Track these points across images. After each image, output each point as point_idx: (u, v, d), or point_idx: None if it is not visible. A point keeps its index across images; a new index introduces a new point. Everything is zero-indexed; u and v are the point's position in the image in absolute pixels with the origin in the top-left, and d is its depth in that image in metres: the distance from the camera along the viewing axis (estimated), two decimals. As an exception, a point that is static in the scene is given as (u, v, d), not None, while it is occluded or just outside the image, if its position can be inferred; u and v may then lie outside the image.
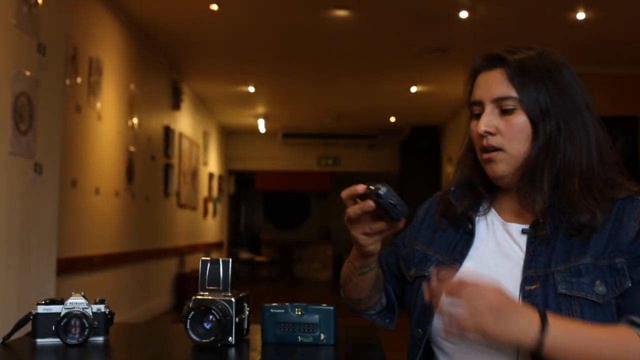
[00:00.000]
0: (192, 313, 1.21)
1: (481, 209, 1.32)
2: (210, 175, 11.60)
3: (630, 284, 1.15)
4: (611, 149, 1.27)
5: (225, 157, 13.35)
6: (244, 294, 1.30)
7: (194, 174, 10.07)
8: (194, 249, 9.98)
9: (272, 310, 1.29)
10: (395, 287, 1.41)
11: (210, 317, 1.21)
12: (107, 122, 5.95)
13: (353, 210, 1.16)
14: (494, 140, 1.24)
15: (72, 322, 1.25)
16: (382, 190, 1.12)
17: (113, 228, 6.22)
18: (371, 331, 1.42)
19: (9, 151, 3.33)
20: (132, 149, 6.69)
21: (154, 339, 1.48)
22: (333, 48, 7.28)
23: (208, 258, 1.29)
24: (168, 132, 8.28)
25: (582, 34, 6.52)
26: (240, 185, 15.54)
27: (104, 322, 1.29)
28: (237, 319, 1.25)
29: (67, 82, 4.86)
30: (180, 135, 9.04)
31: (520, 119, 1.22)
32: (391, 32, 6.67)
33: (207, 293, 1.26)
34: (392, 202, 1.12)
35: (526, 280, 1.19)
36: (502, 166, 1.24)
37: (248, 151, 13.46)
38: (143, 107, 7.10)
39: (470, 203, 1.32)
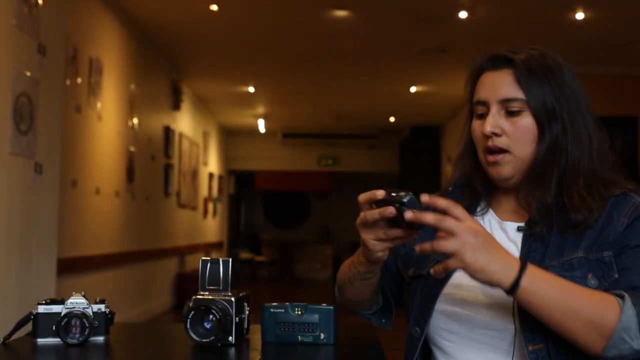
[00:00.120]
0: (192, 313, 1.22)
1: (479, 209, 1.33)
2: (210, 175, 11.60)
3: (617, 276, 1.15)
4: (609, 150, 1.28)
5: (225, 157, 13.35)
6: (244, 293, 1.31)
7: (194, 174, 10.07)
8: (194, 248, 9.98)
9: (272, 310, 1.29)
10: (393, 287, 1.41)
11: (211, 316, 1.21)
12: (107, 122, 5.96)
13: (372, 214, 1.11)
14: (499, 142, 1.24)
15: (73, 321, 1.25)
16: (406, 198, 1.08)
17: (113, 228, 6.22)
18: (371, 330, 1.42)
19: (10, 151, 3.34)
20: (132, 149, 6.70)
21: (154, 339, 1.48)
22: (333, 48, 7.28)
23: (208, 258, 1.29)
24: (168, 132, 8.28)
25: (581, 34, 6.52)
26: (240, 185, 15.54)
27: (105, 321, 1.30)
28: (237, 319, 1.25)
29: (68, 82, 4.86)
30: (180, 135, 9.04)
31: (527, 121, 1.23)
32: (391, 32, 6.67)
33: (207, 293, 1.26)
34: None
35: None
36: (508, 169, 1.25)
37: (248, 151, 13.47)
38: (143, 107, 7.10)
39: (468, 203, 1.32)
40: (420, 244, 1.09)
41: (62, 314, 1.26)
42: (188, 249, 9.59)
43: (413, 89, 9.22)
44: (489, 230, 1.29)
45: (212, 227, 11.95)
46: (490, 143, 1.24)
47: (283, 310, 1.29)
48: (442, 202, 1.07)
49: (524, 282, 1.07)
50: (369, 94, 9.67)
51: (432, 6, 5.94)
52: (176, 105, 8.67)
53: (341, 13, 6.12)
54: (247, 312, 1.30)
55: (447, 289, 1.27)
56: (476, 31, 6.42)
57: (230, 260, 1.29)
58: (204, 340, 1.21)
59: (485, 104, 1.26)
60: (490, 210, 1.33)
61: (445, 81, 8.40)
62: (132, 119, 6.71)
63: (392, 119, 11.69)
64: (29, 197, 3.57)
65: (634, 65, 7.56)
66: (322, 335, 1.28)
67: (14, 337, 1.29)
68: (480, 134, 1.27)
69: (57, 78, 3.96)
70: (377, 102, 10.20)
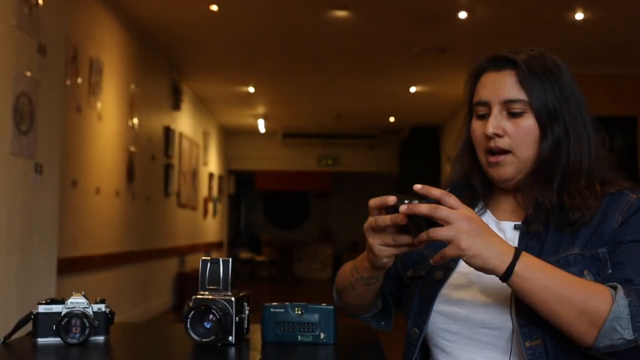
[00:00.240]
0: (193, 312, 1.22)
1: (476, 209, 1.33)
2: (210, 175, 11.60)
3: (610, 271, 1.16)
4: (606, 150, 1.29)
5: (225, 157, 13.35)
6: (244, 293, 1.31)
7: (194, 174, 10.07)
8: (194, 248, 9.98)
9: (272, 310, 1.29)
10: (393, 288, 1.41)
11: (211, 316, 1.22)
12: (108, 122, 5.96)
13: (383, 220, 1.11)
14: (501, 143, 1.24)
15: (73, 321, 1.25)
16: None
17: (113, 228, 6.22)
18: (371, 331, 1.43)
19: (10, 151, 3.34)
20: (132, 149, 6.70)
21: (155, 339, 1.49)
22: (333, 48, 7.28)
23: (208, 258, 1.29)
24: (168, 132, 8.28)
25: (581, 34, 6.52)
26: (240, 185, 15.54)
27: (105, 321, 1.30)
28: (237, 319, 1.25)
29: (68, 82, 4.86)
30: (181, 135, 9.04)
31: (529, 122, 1.23)
32: (391, 32, 6.68)
33: (207, 293, 1.27)
34: (426, 220, 1.09)
35: None
36: (509, 170, 1.25)
37: (248, 151, 13.47)
38: (143, 107, 7.11)
39: (466, 204, 1.32)
40: (419, 235, 1.09)
41: (63, 314, 1.26)
42: (188, 248, 9.59)
43: (413, 89, 9.22)
44: None
45: (212, 227, 11.95)
46: (492, 144, 1.25)
47: (283, 310, 1.29)
48: (435, 192, 1.08)
49: (518, 268, 1.08)
50: (369, 94, 9.67)
51: (432, 6, 5.94)
52: (176, 105, 8.68)
53: (341, 13, 6.12)
54: (247, 312, 1.31)
55: (445, 290, 1.27)
56: (476, 31, 6.42)
57: (230, 260, 1.29)
58: (204, 340, 1.21)
59: (487, 104, 1.26)
60: (488, 211, 1.33)
61: (445, 81, 8.41)
62: (132, 119, 6.71)
63: (392, 119, 11.69)
64: (29, 197, 3.58)
65: (633, 65, 7.56)
66: (322, 335, 1.28)
67: (14, 336, 1.29)
68: (481, 135, 1.27)
69: (58, 78, 3.96)
70: (377, 102, 10.20)
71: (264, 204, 16.13)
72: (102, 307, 1.30)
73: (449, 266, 1.28)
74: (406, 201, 1.08)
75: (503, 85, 1.25)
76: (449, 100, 9.24)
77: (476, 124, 1.29)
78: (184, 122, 9.35)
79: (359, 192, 15.06)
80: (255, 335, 1.33)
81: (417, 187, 1.09)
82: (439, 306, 1.26)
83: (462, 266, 1.27)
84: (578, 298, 1.08)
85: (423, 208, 1.06)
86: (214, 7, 5.95)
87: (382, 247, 1.15)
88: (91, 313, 1.28)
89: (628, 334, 1.06)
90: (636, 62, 7.47)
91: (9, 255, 3.39)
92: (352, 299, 1.35)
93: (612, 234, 1.19)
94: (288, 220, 15.97)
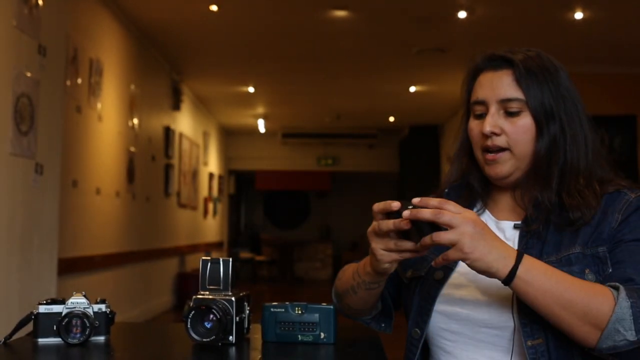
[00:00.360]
0: (193, 312, 1.22)
1: (475, 209, 1.33)
2: (211, 175, 11.60)
3: (611, 270, 1.17)
4: (602, 149, 1.30)
5: (225, 157, 13.35)
6: (244, 293, 1.31)
7: (194, 174, 10.07)
8: (194, 248, 9.98)
9: (272, 310, 1.29)
10: (392, 290, 1.41)
11: (211, 316, 1.22)
12: (108, 122, 5.96)
13: (386, 224, 1.11)
14: (499, 141, 1.25)
15: (74, 321, 1.25)
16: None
17: (114, 228, 6.22)
18: (371, 330, 1.43)
19: (10, 152, 3.34)
20: (132, 149, 6.70)
21: (155, 338, 1.49)
22: (333, 48, 7.28)
23: (208, 257, 1.29)
24: (168, 132, 8.28)
25: (580, 34, 6.52)
26: (240, 185, 15.54)
27: (105, 321, 1.30)
28: (237, 318, 1.25)
29: (68, 82, 4.87)
30: (181, 135, 9.04)
31: (526, 121, 1.24)
32: (391, 32, 6.68)
33: (207, 292, 1.27)
34: (430, 225, 1.09)
35: None
36: (506, 167, 1.26)
37: (248, 151, 13.47)
38: (143, 108, 7.11)
39: (465, 204, 1.32)
40: (422, 238, 1.10)
41: (63, 314, 1.26)
42: (188, 248, 9.59)
43: (412, 89, 9.22)
44: None
45: (212, 227, 11.96)
46: (489, 142, 1.25)
47: (283, 310, 1.29)
48: (433, 202, 1.09)
49: (521, 271, 1.09)
50: (368, 93, 9.67)
51: (432, 6, 5.94)
52: (176, 106, 8.68)
53: (341, 13, 6.12)
54: (247, 312, 1.31)
55: (446, 290, 1.27)
56: (475, 31, 6.42)
57: (231, 259, 1.29)
58: (204, 339, 1.21)
59: (484, 103, 1.27)
60: (487, 211, 1.34)
61: (445, 81, 8.41)
62: (132, 120, 6.72)
63: (391, 119, 11.69)
64: (30, 198, 3.58)
65: (633, 64, 7.57)
66: (322, 335, 1.28)
67: (14, 337, 1.29)
68: (478, 134, 1.28)
69: (58, 78, 3.97)
70: (376, 101, 10.21)
71: (264, 203, 16.13)
72: (103, 307, 1.30)
73: (449, 266, 1.28)
74: (410, 206, 1.09)
75: (500, 85, 1.25)
76: (449, 100, 9.24)
77: (473, 123, 1.30)
78: (184, 122, 9.35)
79: (359, 191, 15.08)
80: (256, 335, 1.34)
81: (416, 200, 1.09)
82: (439, 306, 1.27)
83: (462, 266, 1.27)
84: (580, 301, 1.08)
85: (426, 213, 1.07)
86: (214, 7, 5.95)
87: (385, 252, 1.15)
88: (92, 313, 1.28)
89: (631, 335, 1.06)
90: (636, 61, 7.47)
91: (10, 256, 3.39)
92: (353, 302, 1.35)
93: (611, 233, 1.19)
94: (288, 219, 15.97)
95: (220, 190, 12.63)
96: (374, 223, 1.14)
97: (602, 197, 1.23)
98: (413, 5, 5.93)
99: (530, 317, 1.15)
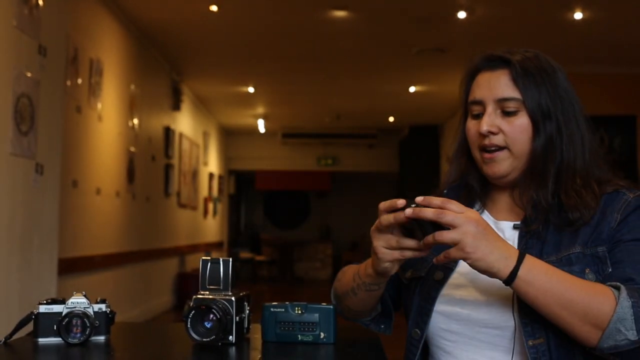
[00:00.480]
0: (193, 312, 1.22)
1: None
2: (211, 175, 11.61)
3: (610, 269, 1.17)
4: (600, 150, 1.30)
5: (225, 157, 13.36)
6: (244, 293, 1.31)
7: (194, 174, 10.08)
8: (194, 248, 9.99)
9: (272, 309, 1.30)
10: (392, 291, 1.41)
11: (211, 316, 1.22)
12: (108, 122, 5.96)
13: (386, 218, 1.12)
14: (496, 140, 1.25)
15: (74, 321, 1.25)
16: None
17: (114, 228, 6.23)
18: (371, 330, 1.43)
19: (10, 152, 3.35)
20: (132, 149, 6.70)
21: (155, 338, 1.49)
22: (333, 48, 7.29)
23: (208, 257, 1.30)
24: (168, 132, 8.29)
25: (580, 34, 6.53)
26: (240, 185, 15.54)
27: (105, 321, 1.30)
28: (237, 318, 1.25)
29: (68, 83, 4.87)
30: (181, 135, 9.05)
31: (523, 120, 1.24)
32: (390, 32, 6.68)
33: (207, 292, 1.27)
34: (432, 224, 1.09)
35: None
36: (504, 166, 1.26)
37: (248, 151, 13.47)
38: (143, 108, 7.11)
39: (463, 205, 1.32)
40: (425, 237, 1.11)
41: (63, 314, 1.26)
42: (188, 248, 9.59)
43: (412, 89, 9.22)
44: None
45: (212, 227, 11.96)
46: (487, 141, 1.26)
47: (283, 310, 1.29)
48: (436, 201, 1.09)
49: (522, 272, 1.09)
50: (368, 93, 9.68)
51: (432, 6, 5.94)
52: (176, 106, 8.68)
53: (341, 13, 6.12)
54: (247, 312, 1.31)
55: (446, 290, 1.28)
56: (475, 31, 6.43)
57: (231, 259, 1.29)
58: (204, 339, 1.21)
59: (482, 103, 1.27)
60: (486, 211, 1.34)
61: (444, 81, 8.41)
62: (132, 120, 6.72)
63: (391, 119, 11.69)
64: (30, 198, 3.58)
65: (633, 64, 7.57)
66: (322, 335, 1.28)
67: (15, 336, 1.29)
68: (475, 133, 1.28)
69: (58, 79, 3.97)
70: (376, 101, 10.21)
71: (264, 203, 16.13)
72: (103, 307, 1.30)
73: (449, 266, 1.28)
74: (413, 205, 1.10)
75: (497, 84, 1.26)
76: (448, 100, 9.24)
77: (471, 123, 1.30)
78: (184, 123, 9.35)
79: (359, 191, 15.08)
80: (256, 335, 1.34)
81: (419, 199, 1.10)
82: (439, 306, 1.27)
83: (462, 266, 1.27)
84: (581, 301, 1.09)
85: (429, 213, 1.08)
86: (214, 8, 5.95)
87: (386, 250, 1.15)
88: (92, 313, 1.28)
89: (632, 335, 1.07)
90: (636, 61, 7.47)
91: (10, 256, 3.40)
92: (352, 304, 1.35)
93: (611, 233, 1.19)
94: (288, 219, 15.98)
95: (220, 190, 12.63)
96: (377, 221, 1.15)
97: (601, 197, 1.24)
98: (413, 5, 5.93)
99: (531, 317, 1.16)
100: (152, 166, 7.61)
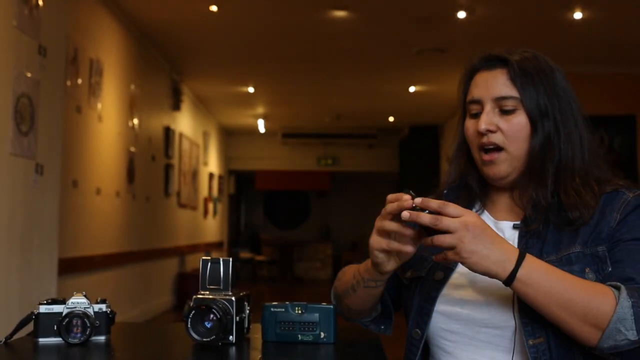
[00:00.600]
0: (193, 312, 1.22)
1: (474, 210, 1.33)
2: (211, 175, 11.61)
3: (610, 269, 1.17)
4: (600, 150, 1.31)
5: (225, 157, 13.36)
6: (244, 293, 1.31)
7: (194, 174, 10.08)
8: (194, 248, 9.99)
9: (272, 309, 1.30)
10: (392, 291, 1.41)
11: (211, 316, 1.22)
12: (108, 122, 5.96)
13: (391, 207, 1.14)
14: (494, 138, 1.25)
15: (74, 321, 1.26)
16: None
17: (114, 228, 6.23)
18: (371, 330, 1.43)
19: (10, 152, 3.35)
20: (132, 149, 6.70)
21: (155, 338, 1.49)
22: (333, 48, 7.29)
23: (208, 257, 1.30)
24: (168, 132, 8.29)
25: (580, 34, 6.53)
26: (240, 185, 15.54)
27: (106, 321, 1.30)
28: (237, 318, 1.25)
29: (68, 83, 4.87)
30: (181, 135, 9.05)
31: (521, 119, 1.24)
32: (390, 32, 6.68)
33: (207, 292, 1.27)
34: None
35: None
36: (504, 167, 1.26)
37: (248, 151, 13.47)
38: (143, 108, 7.11)
39: (464, 205, 1.32)
40: (423, 239, 1.13)
41: (64, 314, 1.26)
42: (188, 248, 9.60)
43: (412, 89, 9.22)
44: None
45: (212, 227, 11.96)
46: (485, 140, 1.26)
47: (283, 310, 1.30)
48: (434, 204, 1.10)
49: (521, 273, 1.09)
50: (368, 93, 9.68)
51: (431, 6, 5.94)
52: (176, 106, 8.68)
53: (341, 13, 6.12)
54: (247, 312, 1.31)
55: (446, 290, 1.28)
56: (475, 31, 6.43)
57: (231, 259, 1.29)
58: (204, 339, 1.21)
59: (480, 102, 1.28)
60: (486, 212, 1.34)
61: (444, 81, 8.41)
62: (132, 120, 6.72)
63: (391, 119, 11.69)
64: (30, 198, 3.58)
65: (632, 64, 7.57)
66: (322, 334, 1.28)
67: (15, 336, 1.30)
68: (474, 132, 1.28)
69: (58, 79, 3.97)
70: (376, 101, 10.21)
71: (264, 203, 16.14)
72: (103, 307, 1.30)
73: (449, 266, 1.29)
74: (413, 194, 1.12)
75: (495, 83, 1.26)
76: (448, 100, 9.24)
77: (469, 123, 1.30)
78: (184, 123, 9.35)
79: (359, 191, 15.08)
80: (256, 335, 1.34)
81: (417, 200, 1.11)
82: (440, 306, 1.27)
83: (462, 266, 1.27)
84: (581, 301, 1.09)
85: (425, 218, 1.09)
86: (214, 8, 5.95)
87: (377, 238, 1.17)
88: (92, 313, 1.28)
89: (632, 335, 1.07)
90: (636, 61, 7.47)
91: (10, 256, 3.40)
92: (352, 302, 1.35)
93: (610, 232, 1.20)
94: (288, 219, 15.98)
95: (220, 190, 12.63)
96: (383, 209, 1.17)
97: (601, 197, 1.24)
98: (413, 5, 5.93)
99: (531, 316, 1.16)
100: (152, 166, 7.61)
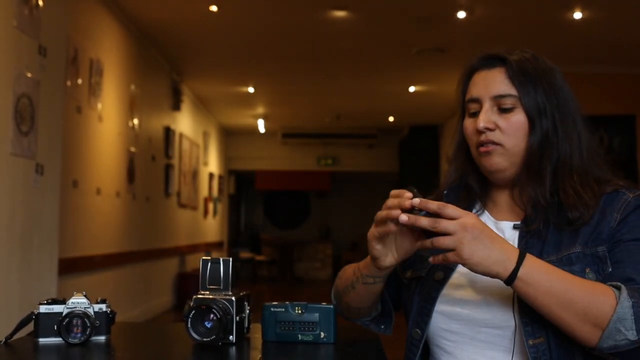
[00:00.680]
0: (193, 312, 1.22)
1: (474, 211, 1.34)
2: (211, 175, 11.61)
3: (610, 269, 1.17)
4: (599, 149, 1.31)
5: (225, 157, 13.36)
6: (244, 293, 1.31)
7: (194, 174, 10.08)
8: (194, 248, 9.99)
9: (272, 309, 1.30)
10: (392, 290, 1.41)
11: (211, 316, 1.22)
12: (108, 122, 5.97)
13: (392, 201, 1.16)
14: (493, 136, 1.25)
15: (74, 321, 1.26)
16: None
17: (114, 228, 6.23)
18: (371, 330, 1.43)
19: (11, 152, 3.35)
20: (132, 149, 6.70)
21: (155, 338, 1.49)
22: (333, 48, 7.29)
23: (209, 257, 1.30)
24: (168, 132, 8.29)
25: (580, 34, 6.53)
26: (241, 185, 15.55)
27: (106, 321, 1.30)
28: (237, 318, 1.25)
29: (68, 83, 4.87)
30: (181, 135, 9.05)
31: (520, 117, 1.25)
32: (390, 32, 6.68)
33: (207, 292, 1.27)
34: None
35: None
36: (499, 159, 1.26)
37: (248, 151, 13.47)
38: (143, 108, 7.11)
39: (464, 206, 1.33)
40: (422, 241, 1.13)
41: (64, 314, 1.26)
42: (188, 248, 9.60)
43: (412, 89, 9.22)
44: None
45: (212, 227, 11.96)
46: (483, 138, 1.26)
47: (283, 310, 1.30)
48: (432, 205, 1.11)
49: (521, 273, 1.10)
50: (368, 93, 9.68)
51: (431, 6, 5.95)
52: (176, 106, 8.68)
53: (340, 13, 6.12)
54: (247, 311, 1.31)
55: (446, 290, 1.28)
56: (475, 31, 6.43)
57: (231, 259, 1.29)
58: (204, 339, 1.21)
59: (478, 101, 1.28)
60: (486, 212, 1.34)
61: (444, 81, 8.41)
62: (132, 120, 6.72)
63: (391, 119, 11.69)
64: (30, 198, 3.58)
65: (632, 64, 7.57)
66: (322, 334, 1.28)
67: (15, 336, 1.30)
68: (472, 131, 1.28)
69: (58, 79, 3.97)
70: (376, 101, 10.21)
71: (264, 203, 16.14)
72: (103, 307, 1.30)
73: (449, 266, 1.29)
74: (415, 190, 1.14)
75: (493, 82, 1.26)
76: (448, 100, 9.23)
77: (468, 122, 1.31)
78: (184, 123, 9.35)
79: (359, 191, 15.08)
80: (256, 335, 1.34)
81: (416, 201, 1.12)
82: (440, 306, 1.27)
83: (462, 266, 1.27)
84: (581, 300, 1.09)
85: (423, 222, 1.10)
86: (214, 8, 5.95)
87: (374, 229, 1.19)
88: (92, 313, 1.28)
89: (632, 335, 1.07)
90: (635, 61, 7.47)
91: (10, 256, 3.40)
92: (351, 299, 1.35)
93: (610, 233, 1.20)
94: (288, 219, 15.98)
95: (220, 190, 12.63)
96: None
97: (601, 197, 1.24)
98: (413, 5, 5.94)
99: (531, 316, 1.16)
100: (152, 166, 7.61)
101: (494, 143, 1.25)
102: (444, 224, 1.09)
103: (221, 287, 1.28)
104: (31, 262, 3.60)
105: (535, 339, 1.16)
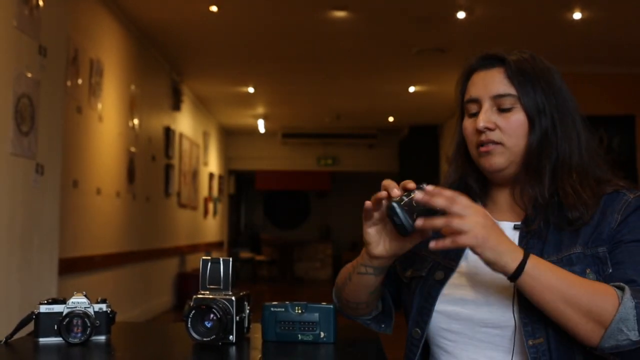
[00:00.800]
0: (193, 312, 1.22)
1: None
2: (211, 175, 11.61)
3: (611, 270, 1.17)
4: (599, 149, 1.31)
5: (225, 157, 13.36)
6: (244, 292, 1.31)
7: (195, 174, 10.08)
8: (194, 248, 9.99)
9: (272, 309, 1.30)
10: (392, 289, 1.41)
11: (211, 315, 1.22)
12: (108, 122, 5.97)
13: (388, 183, 1.20)
14: (493, 135, 1.26)
15: (74, 321, 1.26)
16: (394, 204, 1.14)
17: (114, 228, 6.23)
18: (371, 330, 1.43)
19: (11, 152, 3.35)
20: (132, 149, 6.71)
21: (156, 338, 1.49)
22: (333, 48, 7.29)
23: (209, 257, 1.30)
24: (168, 132, 8.29)
25: (580, 34, 6.53)
26: (241, 185, 15.55)
27: (106, 321, 1.31)
28: (237, 318, 1.26)
29: (68, 83, 4.87)
30: (181, 135, 9.05)
31: (519, 116, 1.25)
32: (390, 32, 6.68)
33: (207, 292, 1.27)
34: (396, 220, 1.14)
35: None
36: (499, 159, 1.26)
37: (248, 151, 13.47)
38: (143, 108, 7.11)
39: None
40: (429, 219, 1.11)
41: (64, 314, 1.27)
42: (188, 248, 9.60)
43: (412, 89, 9.22)
44: None
45: (212, 227, 11.96)
46: (483, 137, 1.26)
47: (283, 309, 1.30)
48: (447, 192, 1.11)
49: (528, 266, 1.10)
50: (368, 93, 9.68)
51: (431, 6, 5.95)
52: (176, 106, 8.68)
53: (340, 13, 6.12)
54: (247, 311, 1.31)
55: (446, 290, 1.28)
56: (475, 31, 6.43)
57: (231, 259, 1.30)
58: (204, 339, 1.22)
59: (477, 101, 1.28)
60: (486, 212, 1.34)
61: (444, 81, 8.41)
62: (132, 120, 6.72)
63: (391, 119, 11.69)
64: (31, 198, 3.58)
65: (632, 64, 7.57)
66: (322, 334, 1.29)
67: (15, 336, 1.30)
68: (472, 131, 1.28)
69: (58, 79, 3.97)
70: (376, 101, 10.21)
71: (264, 203, 16.14)
72: (103, 306, 1.31)
73: (449, 266, 1.29)
74: (424, 184, 1.14)
75: (492, 82, 1.27)
76: (448, 100, 9.18)
77: (467, 122, 1.31)
78: (184, 123, 9.36)
79: (359, 191, 15.02)
80: (256, 335, 1.34)
81: (429, 187, 1.13)
82: (440, 306, 1.27)
83: (462, 266, 1.28)
84: (585, 298, 1.09)
85: (440, 200, 1.10)
86: (214, 8, 5.95)
87: (371, 231, 1.21)
88: (92, 313, 1.28)
89: (634, 335, 1.07)
90: (635, 61, 7.47)
91: (10, 256, 3.40)
92: (347, 293, 1.35)
93: (611, 234, 1.20)
94: (288, 219, 15.98)
95: (220, 190, 12.63)
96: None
97: (601, 197, 1.24)
98: (413, 5, 5.94)
99: (531, 317, 1.16)
100: (152, 166, 7.61)
101: (494, 142, 1.26)
102: (460, 206, 1.10)
103: (221, 287, 1.28)
104: (31, 262, 3.60)
105: (535, 339, 1.16)
